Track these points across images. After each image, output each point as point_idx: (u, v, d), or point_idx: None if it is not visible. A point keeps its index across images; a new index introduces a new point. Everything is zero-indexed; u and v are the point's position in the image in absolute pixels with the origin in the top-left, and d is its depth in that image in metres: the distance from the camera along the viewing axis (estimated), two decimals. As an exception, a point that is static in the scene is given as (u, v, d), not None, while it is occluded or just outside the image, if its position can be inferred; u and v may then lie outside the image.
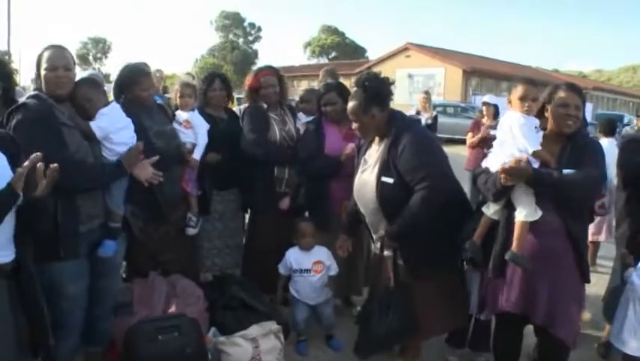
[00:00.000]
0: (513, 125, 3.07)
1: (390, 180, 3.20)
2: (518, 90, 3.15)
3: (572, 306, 3.06)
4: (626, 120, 21.32)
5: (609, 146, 5.61)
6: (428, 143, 3.30)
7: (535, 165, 2.96)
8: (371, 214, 3.38)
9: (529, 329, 3.35)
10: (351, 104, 3.36)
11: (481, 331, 3.79)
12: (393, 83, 3.43)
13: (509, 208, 3.05)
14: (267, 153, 4.18)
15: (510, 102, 3.20)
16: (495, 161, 3.14)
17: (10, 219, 2.19)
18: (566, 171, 2.92)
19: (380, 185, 3.24)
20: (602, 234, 6.04)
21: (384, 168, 3.22)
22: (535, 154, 2.97)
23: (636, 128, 4.35)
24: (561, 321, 2.98)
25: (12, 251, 2.24)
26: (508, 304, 3.05)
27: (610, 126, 6.24)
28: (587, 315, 3.86)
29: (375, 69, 34.04)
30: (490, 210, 3.17)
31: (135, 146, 3.10)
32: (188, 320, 3.25)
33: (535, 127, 3.07)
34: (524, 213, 2.96)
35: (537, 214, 2.96)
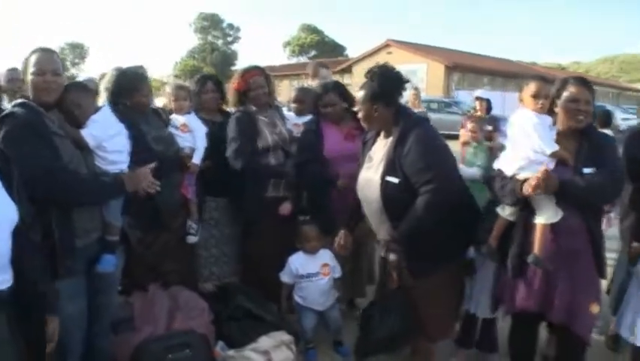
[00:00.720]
0: (526, 124, 2.99)
1: (395, 180, 3.07)
2: (530, 87, 3.04)
3: (591, 300, 3.01)
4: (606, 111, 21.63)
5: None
6: (435, 143, 3.17)
7: (552, 164, 2.89)
8: (374, 213, 3.26)
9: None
10: (359, 93, 3.24)
11: (487, 331, 3.76)
12: (407, 81, 3.28)
13: (526, 210, 2.97)
14: (248, 164, 3.96)
15: (522, 100, 3.11)
16: (509, 163, 3.06)
17: (5, 243, 2.03)
18: (586, 171, 2.86)
19: (384, 184, 3.11)
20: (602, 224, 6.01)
21: (390, 168, 3.09)
22: (553, 155, 2.89)
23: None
24: (580, 318, 2.95)
25: (9, 276, 2.07)
26: (529, 303, 3.01)
27: (607, 118, 6.26)
28: (596, 308, 3.80)
29: (357, 67, 34.34)
30: (506, 211, 3.09)
31: (144, 170, 2.91)
32: (197, 335, 3.12)
33: (550, 126, 2.99)
34: (545, 216, 2.89)
35: (558, 216, 2.88)
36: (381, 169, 3.14)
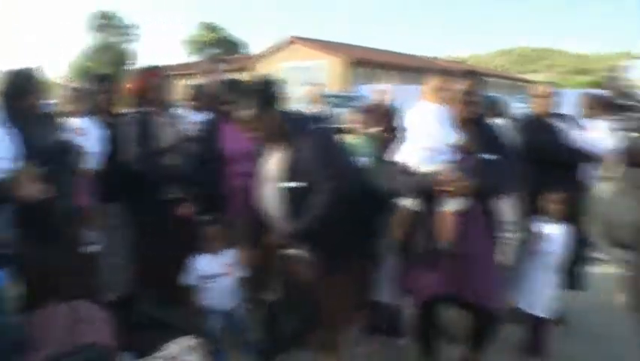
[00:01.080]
0: (428, 116, 3.11)
1: (296, 185, 3.06)
2: (432, 81, 3.20)
3: (497, 278, 3.30)
4: (502, 101, 22.78)
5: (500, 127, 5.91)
6: (328, 142, 3.20)
7: (450, 155, 3.03)
8: (279, 220, 3.24)
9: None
10: (245, 112, 3.13)
11: (394, 318, 3.92)
12: (281, 82, 3.25)
13: (430, 199, 3.09)
14: (149, 168, 3.87)
15: (424, 93, 3.23)
16: (411, 155, 3.17)
17: None
18: (486, 157, 3.07)
19: (286, 191, 3.10)
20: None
21: (289, 174, 3.08)
22: (455, 145, 3.04)
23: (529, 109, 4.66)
24: (491, 295, 3.20)
25: None
26: (440, 288, 3.18)
27: (498, 108, 6.61)
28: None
29: (260, 64, 34.15)
30: (409, 202, 3.19)
31: (25, 171, 2.72)
32: (101, 349, 2.94)
33: (450, 117, 3.13)
34: (455, 205, 3.03)
35: (466, 202, 3.03)
36: (281, 176, 3.12)
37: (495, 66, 76.25)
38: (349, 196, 3.07)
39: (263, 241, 3.45)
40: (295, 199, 3.07)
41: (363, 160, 5.08)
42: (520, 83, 46.11)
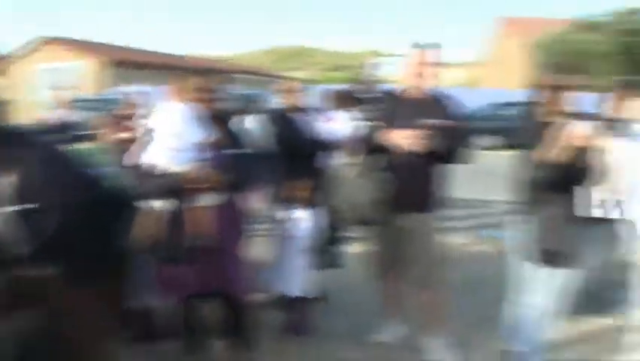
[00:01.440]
0: (174, 116, 3.11)
1: (26, 207, 2.80)
2: (182, 80, 3.22)
3: (251, 268, 3.53)
4: (262, 98, 23.64)
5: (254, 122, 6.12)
6: (55, 155, 2.98)
7: (198, 153, 3.08)
8: (13, 245, 2.92)
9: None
10: None
11: (152, 320, 3.82)
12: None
13: (180, 198, 3.10)
14: None
15: (170, 93, 3.23)
16: (158, 156, 3.13)
17: None
18: (234, 152, 3.24)
19: (16, 215, 2.81)
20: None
21: (17, 197, 2.79)
22: (202, 143, 3.08)
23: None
24: (247, 286, 3.41)
25: None
26: (201, 284, 3.23)
27: (253, 103, 6.85)
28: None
29: (13, 65, 30.73)
30: (159, 203, 3.15)
31: None
32: None
33: (198, 117, 3.16)
34: (207, 200, 3.07)
35: (221, 196, 3.09)
36: (7, 200, 2.81)
37: (259, 64, 78.94)
38: (84, 206, 2.91)
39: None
40: (27, 221, 2.81)
41: (107, 165, 4.89)
42: (279, 80, 48.47)
